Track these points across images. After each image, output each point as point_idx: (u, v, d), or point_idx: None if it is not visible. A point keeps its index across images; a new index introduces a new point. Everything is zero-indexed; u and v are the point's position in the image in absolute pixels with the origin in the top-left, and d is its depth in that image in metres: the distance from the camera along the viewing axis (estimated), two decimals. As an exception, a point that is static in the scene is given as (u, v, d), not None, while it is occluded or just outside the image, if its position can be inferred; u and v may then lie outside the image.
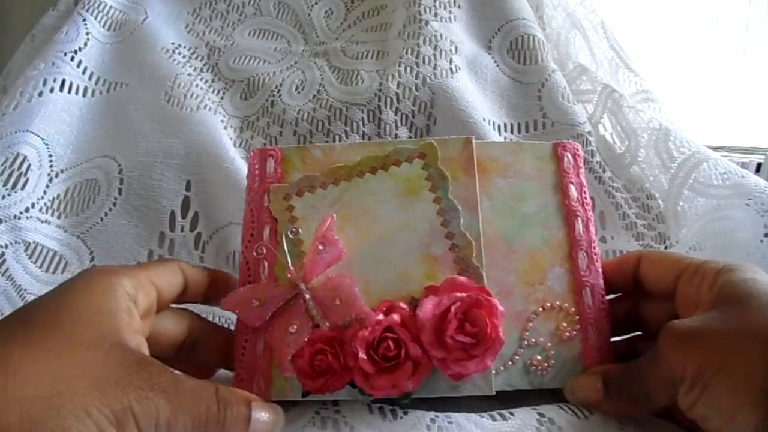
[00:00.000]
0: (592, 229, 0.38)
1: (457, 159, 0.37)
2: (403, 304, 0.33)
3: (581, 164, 0.40)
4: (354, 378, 0.32)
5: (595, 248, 0.38)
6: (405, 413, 0.33)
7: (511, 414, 0.33)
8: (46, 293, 0.29)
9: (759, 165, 0.75)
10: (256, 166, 0.37)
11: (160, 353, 0.34)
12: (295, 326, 0.33)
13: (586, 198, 0.39)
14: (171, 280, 0.34)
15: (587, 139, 0.58)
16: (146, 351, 0.30)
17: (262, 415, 0.30)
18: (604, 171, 0.59)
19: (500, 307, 0.33)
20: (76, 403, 0.24)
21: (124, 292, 0.29)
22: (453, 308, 0.32)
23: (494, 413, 0.33)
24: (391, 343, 0.32)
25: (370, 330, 0.32)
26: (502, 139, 0.58)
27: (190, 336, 0.35)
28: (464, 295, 0.33)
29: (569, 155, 0.39)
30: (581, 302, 0.37)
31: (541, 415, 0.33)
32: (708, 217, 0.55)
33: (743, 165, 0.59)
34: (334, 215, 0.35)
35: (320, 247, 0.34)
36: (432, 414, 0.32)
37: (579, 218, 0.38)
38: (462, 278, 0.34)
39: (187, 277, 0.35)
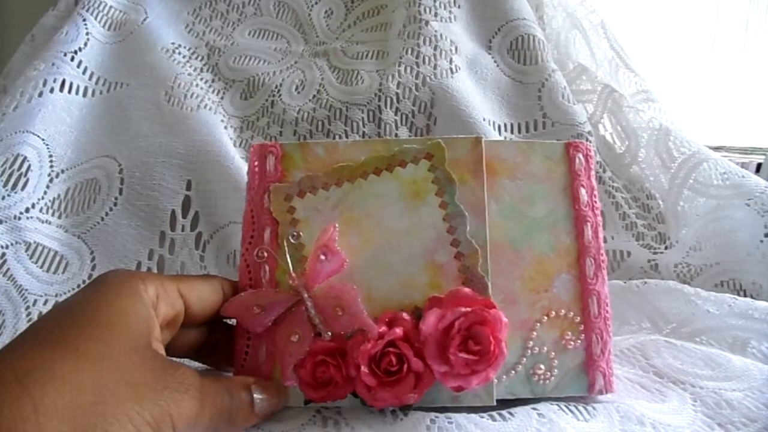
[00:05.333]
0: (600, 234, 0.37)
1: (465, 160, 0.35)
2: (406, 315, 0.33)
3: (593, 166, 0.38)
4: (356, 389, 0.32)
5: (602, 255, 0.37)
6: (405, 414, 0.33)
7: (511, 414, 0.33)
8: (76, 296, 0.29)
9: (759, 165, 0.75)
10: (256, 164, 0.36)
11: (182, 354, 0.35)
12: (297, 335, 0.33)
13: (596, 202, 0.38)
14: (204, 296, 0.33)
15: (587, 139, 0.58)
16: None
17: (263, 396, 0.31)
18: (604, 171, 0.59)
19: (504, 319, 0.32)
20: (119, 409, 0.24)
21: (148, 298, 0.29)
22: (457, 324, 0.32)
23: (494, 413, 0.33)
24: (393, 358, 0.32)
25: (372, 344, 0.32)
26: (502, 139, 0.58)
27: (212, 340, 0.36)
28: (468, 309, 0.32)
29: (581, 156, 0.38)
30: (587, 310, 0.36)
31: (540, 415, 0.33)
32: (708, 217, 0.55)
33: (743, 165, 0.59)
34: (337, 222, 0.34)
35: (322, 257, 0.33)
36: (432, 415, 0.32)
37: (588, 223, 0.37)
38: (466, 290, 0.33)
39: (227, 296, 0.34)
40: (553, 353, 0.35)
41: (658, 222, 0.58)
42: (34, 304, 0.49)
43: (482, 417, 0.32)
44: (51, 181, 0.54)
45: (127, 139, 0.57)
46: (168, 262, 0.54)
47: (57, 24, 0.65)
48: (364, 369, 0.31)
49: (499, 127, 0.59)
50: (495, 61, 0.63)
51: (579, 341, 0.36)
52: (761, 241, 0.53)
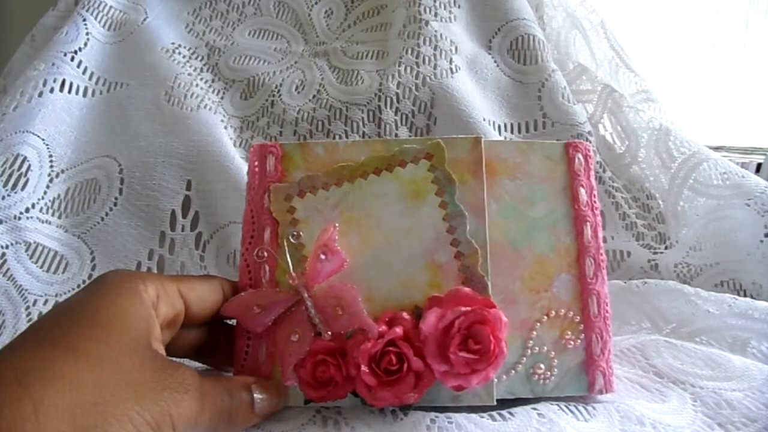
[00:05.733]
0: (600, 234, 0.37)
1: (465, 160, 0.35)
2: (406, 315, 0.33)
3: (592, 166, 0.38)
4: (356, 389, 0.32)
5: (601, 254, 0.37)
6: (405, 414, 0.33)
7: (511, 414, 0.33)
8: (76, 296, 0.29)
9: (759, 165, 0.75)
10: (256, 164, 0.36)
11: (182, 355, 0.35)
12: (297, 335, 0.33)
13: (595, 202, 0.38)
14: (204, 296, 0.33)
15: (587, 139, 0.58)
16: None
17: (263, 396, 0.31)
18: (604, 171, 0.59)
19: (504, 319, 0.32)
20: (119, 410, 0.24)
21: (148, 298, 0.29)
22: (456, 323, 0.32)
23: (494, 413, 0.33)
24: (393, 357, 0.32)
25: (373, 343, 0.32)
26: (502, 139, 0.58)
27: (211, 340, 0.36)
28: (468, 309, 0.32)
29: (580, 156, 0.38)
30: (586, 310, 0.36)
31: (540, 415, 0.33)
32: (708, 217, 0.55)
33: (743, 165, 0.59)
34: (337, 222, 0.34)
35: (322, 257, 0.33)
36: (432, 415, 0.32)
37: (588, 223, 0.37)
38: (466, 289, 0.33)
39: (227, 296, 0.34)
40: (553, 353, 0.35)
41: (658, 222, 0.58)
42: (34, 304, 0.49)
43: (482, 417, 0.32)
44: (51, 181, 0.54)
45: (127, 139, 0.57)
46: (168, 262, 0.54)
47: (57, 24, 0.65)
48: (364, 368, 0.31)
49: (499, 127, 0.59)
50: (495, 61, 0.63)
51: (579, 341, 0.36)
52: (761, 241, 0.53)
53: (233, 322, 0.36)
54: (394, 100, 0.58)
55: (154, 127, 0.57)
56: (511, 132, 0.60)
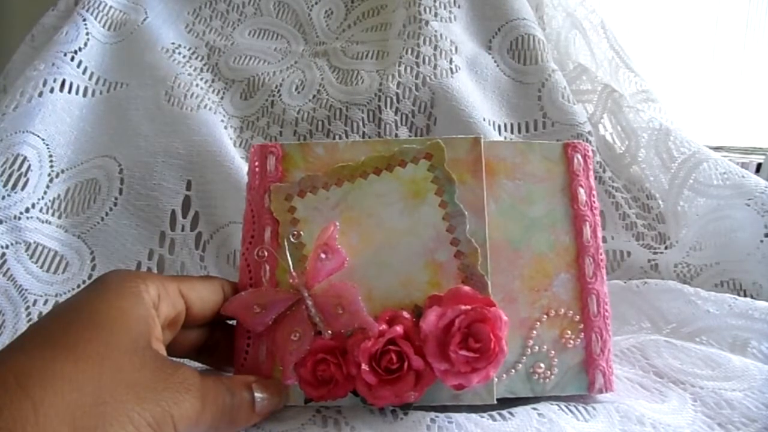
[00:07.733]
0: (599, 234, 0.38)
1: (464, 160, 0.35)
2: (406, 314, 0.33)
3: (591, 166, 0.38)
4: (357, 388, 0.32)
5: (601, 254, 0.37)
6: (405, 414, 0.33)
7: (511, 414, 0.33)
8: (76, 296, 0.29)
9: (759, 165, 0.75)
10: (257, 164, 0.36)
11: (182, 355, 0.35)
12: (298, 334, 0.33)
13: (594, 202, 0.38)
14: (205, 296, 0.33)
15: (587, 139, 0.58)
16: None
17: (264, 395, 0.31)
18: (604, 171, 0.60)
19: (504, 318, 0.32)
20: (120, 411, 0.24)
21: (149, 298, 0.29)
22: (457, 321, 0.32)
23: (494, 413, 0.33)
24: (393, 356, 0.32)
25: (373, 342, 0.32)
26: (502, 139, 0.58)
27: (212, 340, 0.36)
28: (468, 308, 0.32)
29: (579, 156, 0.38)
30: (586, 309, 0.36)
31: (540, 415, 0.33)
32: (708, 217, 0.55)
33: (743, 165, 0.59)
34: (337, 221, 0.34)
35: (323, 255, 0.33)
36: (432, 414, 0.32)
37: (587, 223, 0.37)
38: (466, 288, 0.33)
39: (228, 296, 0.34)
40: (552, 352, 0.35)
41: (658, 222, 0.58)
42: (34, 304, 0.49)
43: (482, 417, 0.32)
44: (51, 181, 0.54)
45: (127, 139, 0.57)
46: (168, 262, 0.54)
47: (57, 24, 0.65)
48: (364, 367, 0.31)
49: (499, 127, 0.59)
50: (495, 61, 0.63)
51: (579, 340, 0.36)
52: (761, 241, 0.53)
53: (233, 322, 0.36)
54: (394, 100, 0.58)
55: (154, 127, 0.57)
56: (511, 132, 0.60)
